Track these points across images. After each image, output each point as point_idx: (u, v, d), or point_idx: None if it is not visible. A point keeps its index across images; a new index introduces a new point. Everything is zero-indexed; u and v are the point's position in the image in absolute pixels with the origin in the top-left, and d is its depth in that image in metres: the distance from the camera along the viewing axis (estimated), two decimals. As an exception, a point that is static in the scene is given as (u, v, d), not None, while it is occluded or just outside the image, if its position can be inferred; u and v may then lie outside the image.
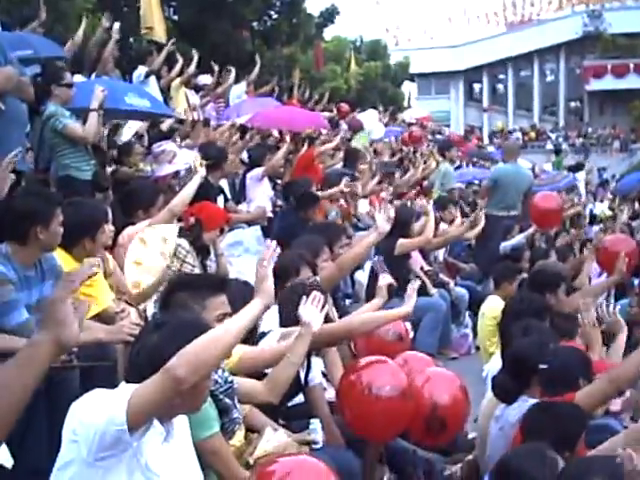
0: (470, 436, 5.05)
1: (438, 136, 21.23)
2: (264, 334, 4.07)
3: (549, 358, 3.97)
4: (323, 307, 3.67)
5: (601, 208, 17.71)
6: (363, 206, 9.94)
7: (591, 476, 2.40)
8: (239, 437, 3.55)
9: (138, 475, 2.54)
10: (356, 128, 14.83)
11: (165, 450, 2.64)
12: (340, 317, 5.44)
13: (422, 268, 7.74)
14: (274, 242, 2.84)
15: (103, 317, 4.37)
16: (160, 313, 3.38)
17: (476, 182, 13.73)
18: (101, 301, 4.45)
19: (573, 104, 52.84)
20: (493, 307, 6.67)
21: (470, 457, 4.71)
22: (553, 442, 3.13)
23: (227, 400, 3.30)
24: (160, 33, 11.04)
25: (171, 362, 2.41)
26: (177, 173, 7.34)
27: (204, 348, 2.47)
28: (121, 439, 2.41)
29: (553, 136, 44.80)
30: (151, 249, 5.27)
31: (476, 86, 54.67)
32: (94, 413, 2.43)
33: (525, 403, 3.90)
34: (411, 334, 5.20)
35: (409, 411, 4.00)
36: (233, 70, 11.79)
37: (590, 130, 46.62)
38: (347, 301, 7.83)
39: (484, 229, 9.03)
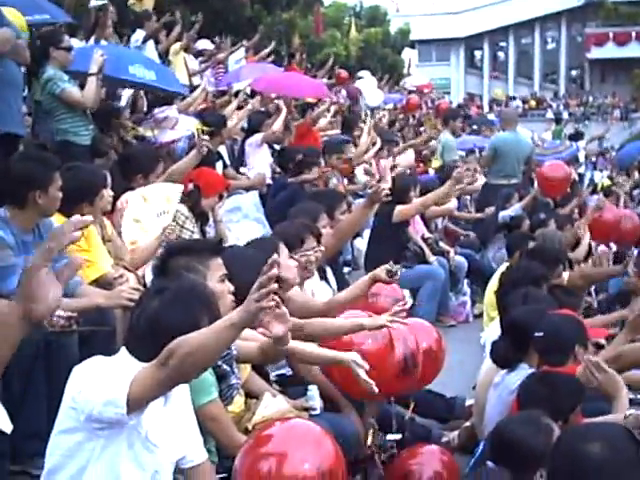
0: (467, 403, 5.07)
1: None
2: None
3: (544, 325, 3.96)
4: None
5: (601, 177, 17.66)
6: (362, 174, 9.89)
7: (589, 442, 2.40)
8: (239, 403, 3.55)
9: (138, 446, 2.55)
10: (354, 95, 14.73)
11: (164, 415, 2.65)
12: (339, 285, 5.47)
13: (423, 236, 7.72)
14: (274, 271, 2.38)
15: (101, 283, 4.38)
16: (156, 279, 3.35)
17: (477, 150, 13.67)
18: (99, 267, 4.45)
19: (574, 72, 52.57)
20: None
21: (467, 424, 4.73)
22: (548, 412, 3.14)
23: (225, 366, 3.30)
24: (148, 3, 10.79)
25: (166, 359, 2.33)
26: (177, 140, 7.29)
27: (205, 345, 2.35)
28: (120, 420, 2.41)
29: (554, 104, 44.60)
30: (152, 206, 5.23)
31: (477, 53, 54.32)
32: (94, 390, 2.43)
33: (524, 371, 3.91)
34: (410, 302, 5.19)
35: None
36: (228, 40, 11.65)
37: (591, 99, 46.39)
38: (346, 269, 7.84)
39: (483, 198, 9.00)
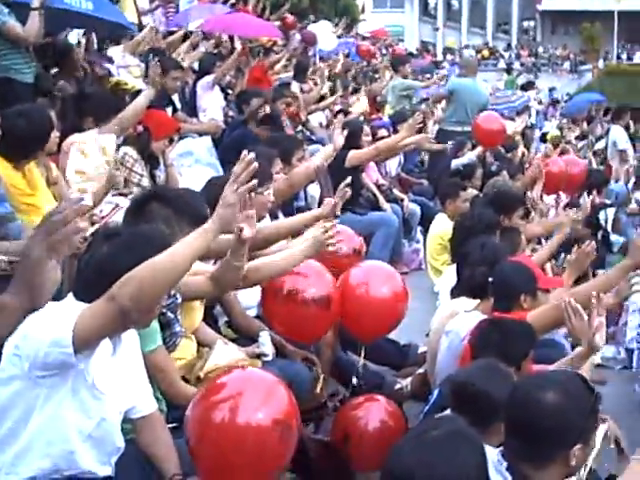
0: (420, 350, 5.08)
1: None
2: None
3: (495, 272, 3.98)
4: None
5: (550, 127, 17.77)
6: (316, 119, 9.78)
7: (545, 390, 2.39)
8: (191, 350, 3.50)
9: (84, 393, 2.48)
10: (309, 41, 14.51)
11: (112, 365, 2.58)
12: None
13: (376, 182, 7.66)
14: (251, 155, 2.63)
15: (48, 227, 4.23)
16: (129, 217, 3.30)
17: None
18: (45, 211, 4.30)
19: (526, 23, 52.65)
20: (439, 225, 6.73)
21: (420, 371, 4.73)
22: (501, 358, 3.13)
23: (170, 314, 3.23)
24: None
25: (117, 290, 2.28)
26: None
27: (152, 277, 2.29)
28: (66, 362, 2.34)
29: (506, 55, 44.68)
30: (92, 159, 5.12)
31: (431, 1, 53.94)
32: (39, 331, 2.35)
33: (475, 318, 3.89)
34: (364, 248, 5.14)
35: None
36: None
37: (541, 50, 46.56)
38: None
39: (437, 144, 8.95)
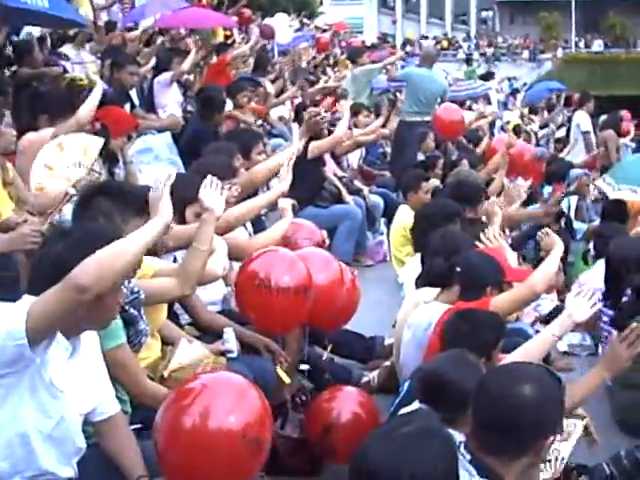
0: (387, 342, 5.07)
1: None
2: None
3: (462, 262, 3.98)
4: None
5: (511, 116, 17.87)
6: (277, 112, 9.73)
7: (521, 385, 2.38)
8: (155, 349, 3.45)
9: (42, 392, 2.44)
10: (268, 34, 14.45)
11: (71, 366, 2.54)
12: (255, 227, 5.34)
13: (336, 174, 7.64)
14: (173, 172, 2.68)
15: (3, 229, 4.14)
16: (74, 215, 3.27)
17: (391, 90, 13.62)
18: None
19: (484, 13, 52.96)
20: (402, 217, 6.73)
21: (387, 363, 4.73)
22: (470, 349, 3.13)
23: (133, 310, 3.17)
24: None
25: (73, 271, 2.29)
26: None
27: (107, 259, 2.35)
28: (22, 355, 2.30)
29: (465, 45, 44.92)
30: (67, 156, 4.93)
31: (389, -7, 54.06)
32: None
33: (436, 309, 3.89)
34: (327, 242, 5.11)
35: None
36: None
37: (500, 40, 46.88)
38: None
39: (399, 136, 8.95)
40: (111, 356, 2.91)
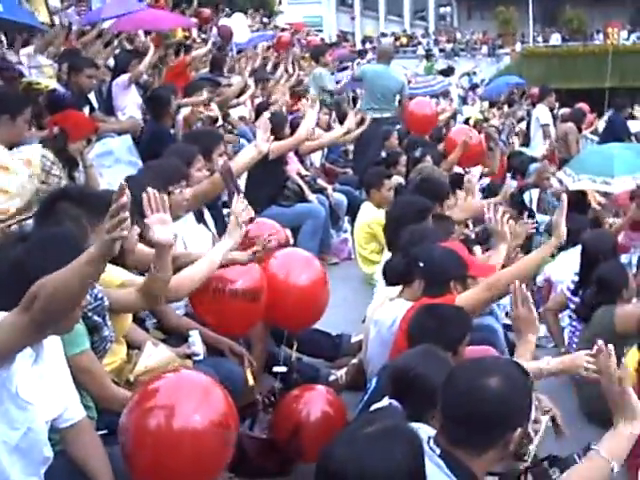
0: (354, 339, 5.06)
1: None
2: None
3: (425, 257, 3.98)
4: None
5: (471, 111, 17.99)
6: (237, 112, 9.69)
7: (488, 378, 2.39)
8: (121, 354, 3.42)
9: (8, 404, 2.40)
10: (226, 35, 14.38)
11: (35, 372, 2.50)
12: (219, 228, 5.30)
13: (299, 173, 7.63)
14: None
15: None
16: (36, 221, 3.22)
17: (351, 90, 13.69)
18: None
19: (442, 9, 53.19)
20: (366, 214, 6.76)
21: (355, 361, 4.72)
22: (437, 344, 3.13)
23: (96, 318, 3.12)
24: None
25: (28, 303, 2.19)
26: None
27: (67, 284, 2.20)
28: None
29: (424, 41, 45.10)
30: (16, 175, 4.83)
31: (348, -9, 54.06)
32: None
33: (399, 305, 3.90)
34: (291, 241, 5.10)
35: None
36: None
37: (459, 35, 47.14)
38: (226, 210, 7.64)
39: (362, 134, 8.96)
40: (75, 362, 2.87)
